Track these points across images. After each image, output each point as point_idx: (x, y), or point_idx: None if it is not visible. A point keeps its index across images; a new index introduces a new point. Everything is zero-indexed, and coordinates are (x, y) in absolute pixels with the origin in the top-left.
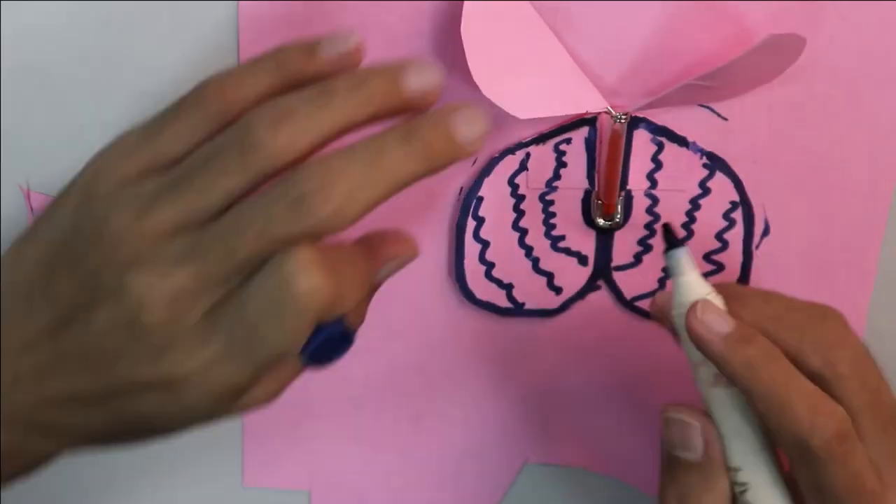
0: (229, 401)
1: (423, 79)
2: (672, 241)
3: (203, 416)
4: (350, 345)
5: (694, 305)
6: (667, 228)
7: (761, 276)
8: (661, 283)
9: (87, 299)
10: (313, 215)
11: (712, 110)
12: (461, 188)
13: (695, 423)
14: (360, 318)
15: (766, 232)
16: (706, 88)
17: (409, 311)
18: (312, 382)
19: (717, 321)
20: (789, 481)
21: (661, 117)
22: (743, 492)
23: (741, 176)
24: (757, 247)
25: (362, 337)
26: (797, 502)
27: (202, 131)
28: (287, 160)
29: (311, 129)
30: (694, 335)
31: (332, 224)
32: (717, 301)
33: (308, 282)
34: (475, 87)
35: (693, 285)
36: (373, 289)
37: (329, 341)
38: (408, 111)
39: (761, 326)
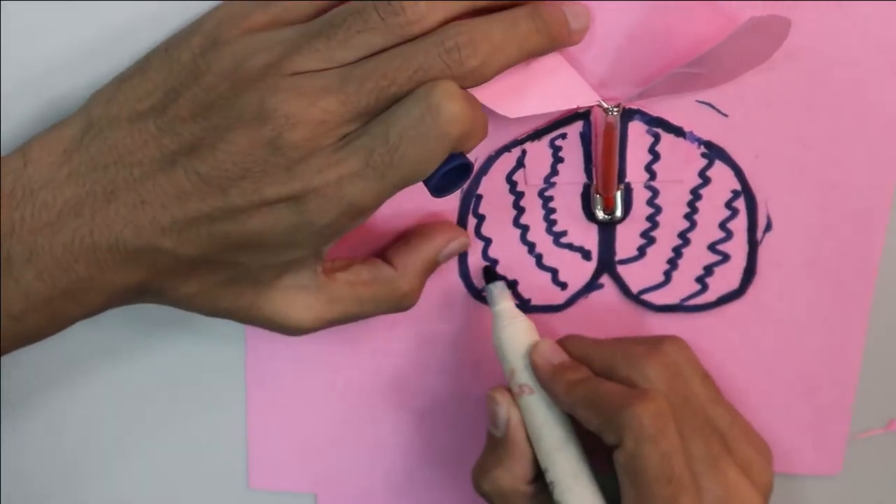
0: (349, 220)
1: None
2: (490, 278)
3: (319, 231)
4: (470, 175)
5: (535, 344)
6: (486, 269)
7: (764, 273)
8: (667, 275)
9: (217, 125)
10: (463, 65)
11: (713, 107)
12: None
13: (500, 402)
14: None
15: (768, 227)
16: (696, 76)
17: (415, 309)
18: (317, 384)
19: (551, 353)
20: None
21: (665, 111)
22: (552, 490)
23: (745, 170)
24: (760, 242)
25: (367, 337)
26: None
27: None
28: (423, 28)
29: (445, 3)
30: (532, 363)
31: (475, 76)
32: (525, 324)
33: (454, 109)
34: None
35: (507, 311)
36: (433, 266)
37: (453, 171)
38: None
39: (583, 352)
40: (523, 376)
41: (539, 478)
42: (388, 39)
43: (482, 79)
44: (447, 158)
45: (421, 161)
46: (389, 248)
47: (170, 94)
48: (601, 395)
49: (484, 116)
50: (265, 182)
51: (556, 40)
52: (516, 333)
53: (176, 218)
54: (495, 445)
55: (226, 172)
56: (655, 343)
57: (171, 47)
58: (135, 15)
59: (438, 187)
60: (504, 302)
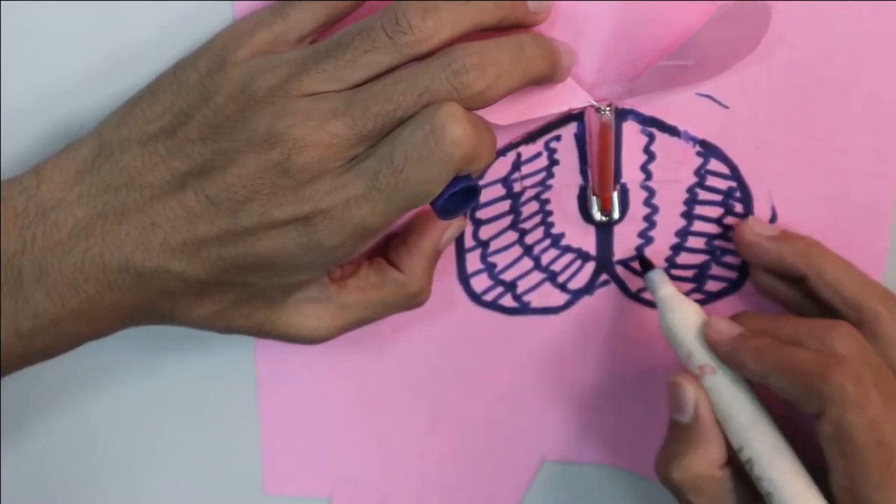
0: (356, 241)
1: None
2: (646, 266)
3: (327, 253)
4: (477, 198)
5: (708, 321)
6: (641, 258)
7: None
8: (666, 273)
9: (226, 147)
10: (470, 87)
11: (713, 99)
12: None
13: (686, 386)
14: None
15: (772, 218)
16: (684, 68)
17: (419, 314)
18: (327, 389)
19: (727, 327)
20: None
21: (660, 110)
22: (751, 468)
23: (745, 163)
24: None
25: (375, 341)
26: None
27: (329, 10)
28: (430, 46)
29: (453, 21)
30: (709, 340)
31: (481, 99)
32: (693, 306)
33: (457, 131)
34: None
35: (672, 296)
36: (437, 258)
37: (460, 193)
38: (522, 27)
39: (762, 326)
40: (701, 356)
41: (729, 462)
42: (395, 58)
43: (488, 101)
44: (453, 181)
45: (425, 183)
46: (390, 248)
47: (179, 117)
48: (796, 362)
49: (491, 139)
50: (274, 204)
51: (556, 70)
52: (685, 315)
53: (186, 240)
54: (683, 432)
55: (235, 194)
56: (832, 321)
57: (179, 70)
58: (146, 36)
59: (445, 209)
60: (666, 287)
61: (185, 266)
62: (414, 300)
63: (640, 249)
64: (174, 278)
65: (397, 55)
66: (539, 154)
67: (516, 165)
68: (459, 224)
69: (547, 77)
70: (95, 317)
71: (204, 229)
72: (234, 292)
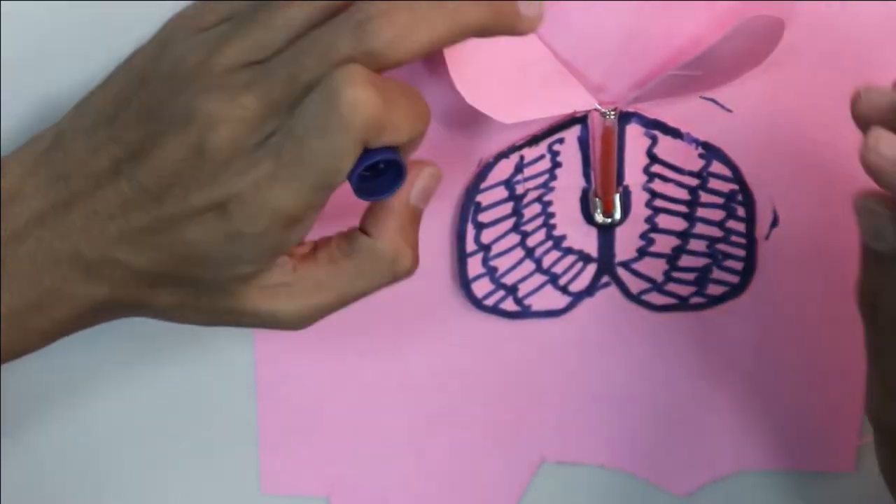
0: (281, 228)
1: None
2: None
3: (252, 243)
4: (402, 178)
5: (865, 139)
6: None
7: (770, 268)
8: (667, 275)
9: (154, 130)
10: (375, 38)
11: (716, 102)
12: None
13: (884, 212)
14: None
15: (774, 223)
16: (693, 78)
17: (418, 318)
18: (326, 389)
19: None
20: None
21: (663, 113)
22: None
23: (747, 165)
24: (767, 237)
25: (376, 340)
26: None
27: None
28: None
29: None
30: (869, 165)
31: (390, 52)
32: None
33: (353, 94)
34: (459, 94)
35: None
36: (412, 216)
37: (389, 173)
38: None
39: None
40: None
41: None
42: (311, 13)
43: (400, 56)
44: (368, 154)
45: (329, 155)
46: (363, 216)
47: (122, 103)
48: None
49: (409, 105)
50: (192, 188)
51: (501, 16)
52: None
53: (122, 228)
54: (883, 262)
55: (160, 179)
56: None
57: (131, 57)
58: (146, 36)
59: (361, 188)
60: None
61: (127, 255)
62: (393, 267)
63: None
64: (121, 268)
65: (312, 9)
66: (542, 156)
67: (519, 168)
68: (431, 173)
69: (490, 28)
70: (55, 310)
71: (135, 217)
72: (187, 285)
